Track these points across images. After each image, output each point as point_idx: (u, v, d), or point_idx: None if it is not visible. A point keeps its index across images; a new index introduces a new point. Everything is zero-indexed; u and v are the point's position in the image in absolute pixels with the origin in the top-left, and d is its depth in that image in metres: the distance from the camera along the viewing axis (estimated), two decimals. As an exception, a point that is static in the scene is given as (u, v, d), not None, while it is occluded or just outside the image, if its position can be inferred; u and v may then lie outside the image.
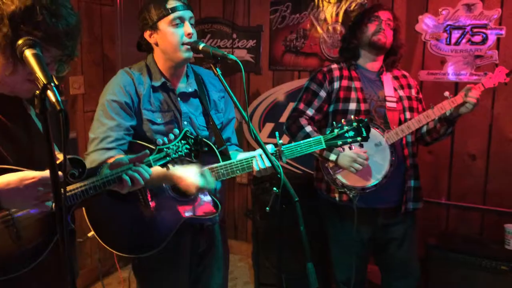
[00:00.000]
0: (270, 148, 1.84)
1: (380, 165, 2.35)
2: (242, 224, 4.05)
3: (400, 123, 2.41)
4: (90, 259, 3.46)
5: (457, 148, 3.20)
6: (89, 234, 2.46)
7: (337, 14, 3.46)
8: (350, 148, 1.94)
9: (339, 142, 1.89)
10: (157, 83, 1.93)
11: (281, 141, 1.86)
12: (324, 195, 2.52)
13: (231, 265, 2.33)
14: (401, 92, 2.47)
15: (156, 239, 1.87)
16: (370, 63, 2.49)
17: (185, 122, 1.95)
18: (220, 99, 2.08)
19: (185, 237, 1.94)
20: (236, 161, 1.86)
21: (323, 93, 2.45)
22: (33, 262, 1.31)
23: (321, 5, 3.49)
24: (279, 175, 1.61)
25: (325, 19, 3.50)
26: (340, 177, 2.37)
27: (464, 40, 3.08)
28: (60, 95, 1.00)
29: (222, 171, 1.86)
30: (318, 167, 2.54)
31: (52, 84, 0.98)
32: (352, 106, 2.39)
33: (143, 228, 1.88)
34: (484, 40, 3.03)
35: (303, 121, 2.43)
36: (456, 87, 3.12)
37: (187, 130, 1.63)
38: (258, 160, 1.83)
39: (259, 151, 1.82)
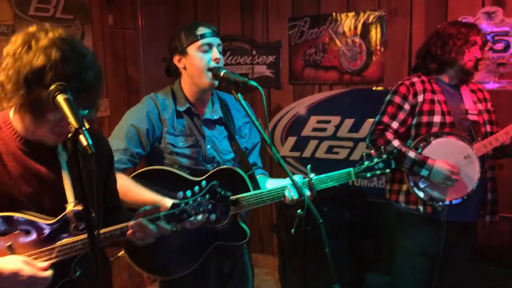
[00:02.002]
0: (299, 178, 1.87)
1: (471, 178, 2.33)
2: (267, 238, 4.07)
3: (483, 135, 2.40)
4: (120, 278, 3.53)
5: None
6: (119, 254, 2.53)
7: (355, 27, 3.47)
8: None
9: (368, 174, 1.94)
10: (181, 108, 1.98)
11: (312, 174, 1.90)
12: (402, 207, 2.47)
13: (258, 279, 2.35)
14: (480, 106, 2.44)
15: (186, 262, 1.92)
16: (449, 78, 2.47)
17: (209, 146, 1.99)
18: (245, 125, 2.12)
19: (210, 260, 1.98)
20: (267, 191, 1.91)
21: (407, 106, 2.41)
22: None
23: (339, 18, 3.51)
24: (302, 197, 1.65)
25: (343, 33, 3.51)
26: (431, 191, 2.35)
27: (486, 48, 3.04)
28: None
29: (252, 200, 1.90)
30: (393, 179, 2.52)
31: (84, 129, 1.03)
32: (437, 119, 2.36)
33: (174, 250, 1.92)
34: (506, 48, 3.00)
35: (389, 135, 2.40)
36: (479, 96, 3.09)
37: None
38: (291, 191, 1.86)
39: (289, 180, 1.85)
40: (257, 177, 2.05)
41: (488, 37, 3.04)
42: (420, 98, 2.40)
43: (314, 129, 3.72)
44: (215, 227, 1.92)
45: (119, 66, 3.52)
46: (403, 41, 3.34)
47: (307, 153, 3.77)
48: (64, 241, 1.35)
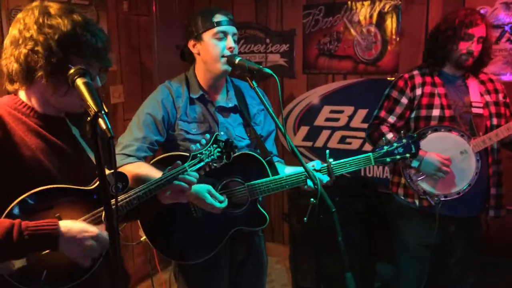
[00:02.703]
0: (317, 163, 1.88)
1: (465, 173, 2.31)
2: (278, 227, 4.09)
3: (487, 129, 2.36)
4: (133, 262, 3.59)
5: None
6: (142, 239, 2.58)
7: (370, 16, 3.43)
8: (410, 161, 1.93)
9: (388, 159, 1.94)
10: (195, 95, 1.99)
11: (331, 159, 1.91)
12: (401, 200, 2.49)
13: (268, 267, 2.39)
14: (487, 98, 2.39)
15: (206, 246, 1.96)
16: (452, 69, 2.42)
17: (222, 132, 2.00)
18: (259, 112, 2.12)
19: (223, 248, 2.00)
20: (286, 176, 1.92)
21: (404, 100, 2.42)
22: (86, 273, 1.39)
23: (354, 7, 3.48)
24: (316, 186, 1.65)
25: (358, 21, 3.48)
26: (423, 184, 2.35)
27: (503, 39, 3.01)
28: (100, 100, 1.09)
29: (271, 185, 1.91)
30: (394, 171, 2.53)
31: (103, 112, 1.04)
32: (436, 112, 2.35)
33: (193, 237, 1.96)
34: (525, 39, 2.94)
35: (384, 128, 2.42)
36: (496, 87, 3.05)
37: (217, 134, 1.70)
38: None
39: (309, 166, 1.86)
40: (275, 163, 2.05)
41: (506, 28, 2.99)
42: (419, 91, 2.39)
43: (327, 119, 3.71)
44: (236, 212, 1.95)
45: (133, 53, 3.53)
46: (419, 31, 3.29)
47: (319, 143, 3.76)
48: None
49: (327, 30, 3.60)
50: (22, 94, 1.38)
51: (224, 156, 1.69)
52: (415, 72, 2.45)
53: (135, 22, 3.53)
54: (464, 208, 2.37)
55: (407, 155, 1.93)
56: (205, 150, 1.67)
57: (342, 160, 1.94)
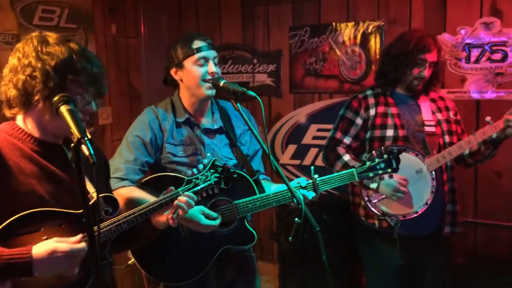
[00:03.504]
0: (302, 180, 1.92)
1: (422, 192, 2.32)
2: (268, 245, 4.09)
3: (440, 147, 2.38)
4: (121, 284, 3.55)
5: (481, 165, 3.17)
6: (130, 262, 2.57)
7: (355, 37, 3.51)
8: (390, 177, 1.97)
9: (371, 174, 1.96)
10: (181, 119, 2.02)
11: (316, 175, 1.94)
12: (362, 221, 2.49)
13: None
14: (439, 116, 2.42)
15: (194, 267, 1.96)
16: (403, 90, 2.46)
17: (209, 154, 2.03)
18: (245, 132, 2.15)
19: (210, 268, 2.00)
20: (272, 194, 1.94)
21: (359, 121, 2.43)
22: None
23: (339, 28, 3.56)
24: (300, 206, 1.67)
25: (343, 42, 3.56)
26: (381, 205, 2.35)
27: (484, 58, 3.09)
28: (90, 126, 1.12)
29: (258, 203, 1.93)
30: (354, 192, 2.52)
31: (86, 139, 1.06)
32: (390, 132, 2.36)
33: (181, 257, 1.97)
34: (504, 58, 3.03)
35: (340, 150, 2.44)
36: (477, 105, 3.12)
37: (215, 159, 1.70)
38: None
39: (294, 183, 1.89)
40: (261, 182, 2.08)
41: (486, 47, 3.07)
42: (372, 112, 2.41)
43: (314, 137, 3.76)
44: (224, 230, 1.96)
45: (121, 75, 3.56)
46: (402, 51, 3.37)
47: (307, 161, 3.80)
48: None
49: (313, 51, 3.67)
50: (19, 120, 1.43)
51: (222, 182, 1.69)
52: (368, 92, 2.47)
53: (123, 44, 3.57)
54: (422, 227, 2.37)
55: (389, 170, 1.96)
56: (201, 175, 1.67)
57: (326, 176, 1.97)
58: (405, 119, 2.40)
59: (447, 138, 2.40)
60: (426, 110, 2.42)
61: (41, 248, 1.30)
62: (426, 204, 2.32)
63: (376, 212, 2.36)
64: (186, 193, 1.63)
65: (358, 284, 3.27)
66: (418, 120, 2.41)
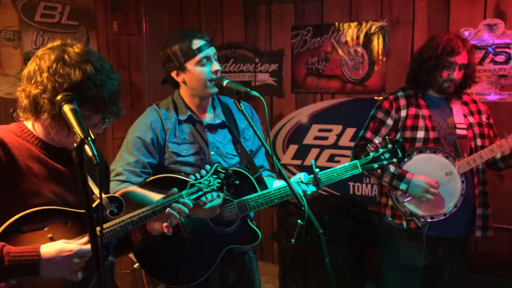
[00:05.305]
0: (304, 175, 1.88)
1: (451, 194, 2.32)
2: (268, 245, 4.07)
3: (471, 150, 2.38)
4: (121, 283, 3.54)
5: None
6: (135, 266, 2.54)
7: (357, 37, 3.49)
8: (397, 167, 1.92)
9: (375, 165, 1.93)
10: (183, 117, 2.00)
11: (317, 169, 1.90)
12: (388, 221, 2.49)
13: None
14: (471, 119, 2.42)
15: (199, 269, 1.95)
16: (435, 92, 2.45)
17: (212, 152, 2.01)
18: (249, 127, 2.13)
19: (215, 269, 1.98)
20: (274, 190, 1.92)
21: (390, 121, 2.43)
22: None
23: (341, 28, 3.54)
24: (303, 208, 1.66)
25: (346, 42, 3.54)
26: (409, 205, 2.35)
27: (487, 60, 3.07)
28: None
29: (260, 200, 1.91)
30: (382, 192, 2.53)
31: (89, 139, 1.05)
32: (420, 134, 2.36)
33: (185, 259, 1.95)
34: (508, 60, 3.01)
35: (371, 149, 2.44)
36: (480, 107, 3.10)
37: (218, 165, 1.68)
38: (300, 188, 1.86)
39: (295, 178, 1.86)
40: (265, 178, 2.06)
41: (490, 49, 3.06)
42: (403, 113, 2.41)
43: (316, 138, 3.74)
44: (227, 230, 1.94)
45: (122, 73, 3.55)
46: (405, 51, 3.36)
47: (308, 161, 3.78)
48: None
49: (315, 50, 3.66)
50: (29, 123, 1.44)
51: (224, 188, 1.68)
52: (400, 94, 2.47)
53: (125, 42, 3.55)
54: (450, 229, 2.38)
55: (394, 159, 1.92)
56: (204, 180, 1.67)
57: (328, 170, 1.93)
58: (436, 121, 2.40)
59: (478, 142, 2.39)
60: (458, 113, 2.42)
61: (50, 248, 1.30)
62: (455, 206, 2.32)
63: (405, 212, 2.36)
64: (181, 200, 1.60)
65: (359, 286, 3.27)
66: (449, 122, 2.41)
